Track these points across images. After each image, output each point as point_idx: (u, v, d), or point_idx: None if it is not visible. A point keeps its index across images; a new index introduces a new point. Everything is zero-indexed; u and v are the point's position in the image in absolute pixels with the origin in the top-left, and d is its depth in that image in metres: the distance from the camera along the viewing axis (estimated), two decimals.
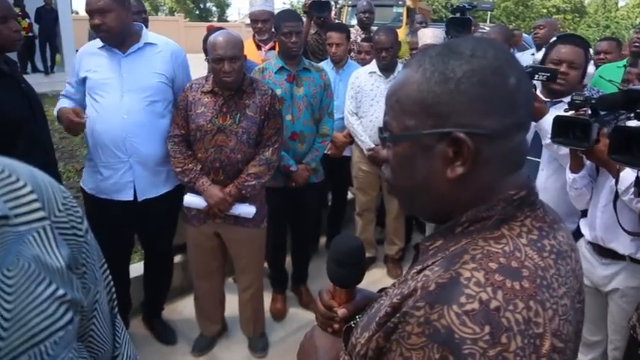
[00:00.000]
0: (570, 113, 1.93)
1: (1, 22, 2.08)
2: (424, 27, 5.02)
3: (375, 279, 3.60)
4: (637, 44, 3.63)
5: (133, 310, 2.89)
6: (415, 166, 0.72)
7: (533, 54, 4.98)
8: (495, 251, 0.65)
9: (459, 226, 0.71)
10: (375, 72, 3.44)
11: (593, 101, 1.88)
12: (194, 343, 2.82)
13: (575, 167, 2.03)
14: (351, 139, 3.62)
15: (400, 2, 12.59)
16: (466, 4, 3.32)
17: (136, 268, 2.95)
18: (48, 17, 11.54)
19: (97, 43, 2.41)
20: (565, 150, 2.03)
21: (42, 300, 0.66)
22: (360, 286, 0.98)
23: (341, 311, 0.93)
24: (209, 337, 2.84)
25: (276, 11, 3.47)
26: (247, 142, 2.42)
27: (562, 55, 2.25)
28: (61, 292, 0.68)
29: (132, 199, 2.45)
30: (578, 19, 32.32)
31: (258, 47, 3.64)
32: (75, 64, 2.47)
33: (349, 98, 3.50)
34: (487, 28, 7.84)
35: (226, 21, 38.45)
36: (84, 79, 2.40)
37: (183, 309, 3.14)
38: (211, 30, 2.79)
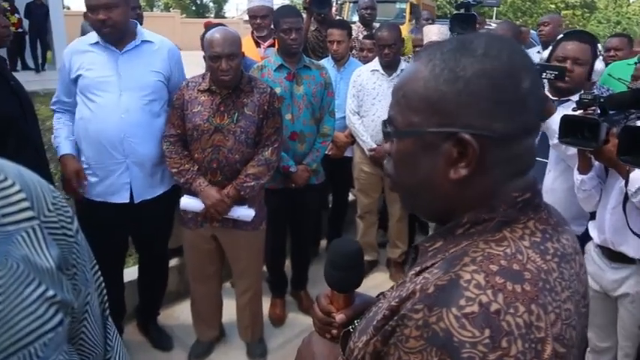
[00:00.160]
0: (578, 112, 1.93)
1: None
2: (430, 24, 5.03)
3: (377, 283, 3.60)
4: None
5: (127, 315, 2.89)
6: (418, 164, 0.72)
7: (539, 52, 4.98)
8: (496, 253, 0.65)
9: (459, 228, 0.71)
10: (377, 70, 3.45)
11: (602, 100, 1.88)
12: (191, 349, 2.82)
13: (584, 168, 2.03)
14: (352, 140, 3.63)
15: None
16: (471, 0, 3.32)
17: (130, 273, 2.95)
18: (38, 13, 11.50)
19: (88, 39, 2.40)
20: (573, 150, 2.04)
21: (31, 301, 0.66)
22: (362, 290, 0.98)
23: (339, 317, 0.93)
24: (206, 343, 2.84)
25: (275, 7, 3.48)
26: (246, 141, 2.43)
27: (567, 51, 2.25)
28: (50, 293, 0.68)
29: (128, 201, 2.45)
30: (588, 14, 32.36)
31: (257, 44, 3.65)
32: (63, 65, 2.43)
33: (351, 97, 3.51)
34: (493, 25, 7.86)
35: (224, 17, 38.41)
36: (76, 79, 2.38)
37: (179, 314, 3.14)
38: (209, 26, 2.80)
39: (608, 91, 2.88)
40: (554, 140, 2.06)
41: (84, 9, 2.37)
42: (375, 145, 3.44)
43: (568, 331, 0.64)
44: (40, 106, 2.57)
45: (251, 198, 2.50)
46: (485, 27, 5.79)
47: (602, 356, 2.23)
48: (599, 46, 4.42)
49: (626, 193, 1.86)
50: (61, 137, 2.46)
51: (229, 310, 2.89)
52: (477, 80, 0.67)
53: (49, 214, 0.72)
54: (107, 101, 2.35)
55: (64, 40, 11.31)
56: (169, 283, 3.00)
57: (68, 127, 2.48)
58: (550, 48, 2.58)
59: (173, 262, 3.17)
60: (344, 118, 3.57)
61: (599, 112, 1.90)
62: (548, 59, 2.39)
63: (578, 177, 2.07)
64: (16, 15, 10.82)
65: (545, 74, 2.15)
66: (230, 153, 2.41)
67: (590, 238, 2.13)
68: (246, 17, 3.98)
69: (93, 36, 2.40)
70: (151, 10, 35.33)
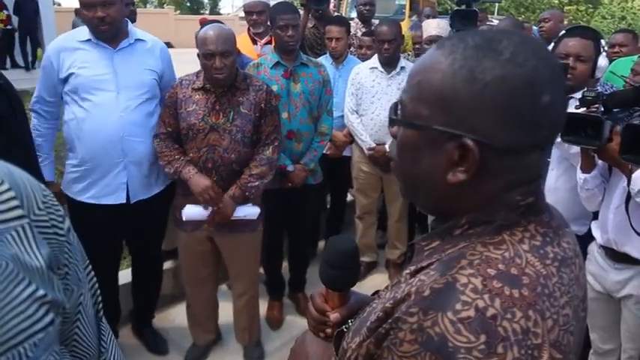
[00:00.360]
0: (581, 110, 1.93)
1: None
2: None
3: (377, 284, 3.60)
4: None
5: (121, 318, 2.89)
6: (419, 157, 0.72)
7: None
8: (494, 257, 0.65)
9: (458, 228, 0.71)
10: (376, 68, 3.46)
11: (605, 97, 1.89)
12: (186, 352, 2.83)
13: (587, 167, 2.04)
14: (351, 139, 3.64)
15: None
16: None
17: (124, 275, 2.95)
18: (28, 9, 11.46)
19: (76, 35, 2.39)
20: (576, 149, 2.05)
21: (21, 300, 0.66)
22: (361, 291, 0.99)
23: (333, 316, 0.93)
24: (202, 347, 2.85)
25: (272, 3, 3.49)
26: (242, 140, 2.44)
27: (569, 48, 2.26)
28: (41, 292, 0.69)
29: (124, 201, 2.46)
30: (592, 10, 32.39)
31: (254, 41, 3.65)
32: (50, 64, 2.38)
33: (349, 95, 3.52)
34: (495, 21, 7.87)
35: (219, 14, 38.40)
36: (66, 78, 2.36)
37: (175, 317, 3.15)
38: (204, 23, 2.81)
39: (611, 88, 2.89)
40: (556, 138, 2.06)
41: (75, 5, 2.38)
42: (374, 145, 3.45)
43: (565, 337, 0.64)
44: (30, 105, 2.56)
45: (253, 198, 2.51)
46: (487, 23, 5.79)
47: (605, 358, 2.24)
48: (603, 42, 4.44)
49: (629, 193, 1.87)
50: (43, 155, 2.47)
51: (226, 313, 2.89)
52: (494, 87, 0.65)
53: (40, 213, 0.73)
54: (104, 100, 2.35)
55: (54, 37, 11.19)
56: (164, 285, 3.01)
57: (51, 137, 2.51)
58: (552, 45, 2.59)
59: (168, 265, 3.18)
60: (342, 116, 3.58)
61: (602, 109, 1.89)
62: None
63: (581, 176, 2.07)
64: (5, 12, 10.81)
65: None
66: (226, 152, 2.42)
67: (592, 239, 2.14)
68: (242, 14, 3.99)
69: (82, 32, 2.39)
70: (145, 7, 35.31)
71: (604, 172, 2.09)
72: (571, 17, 28.90)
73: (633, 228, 1.88)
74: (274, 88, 2.75)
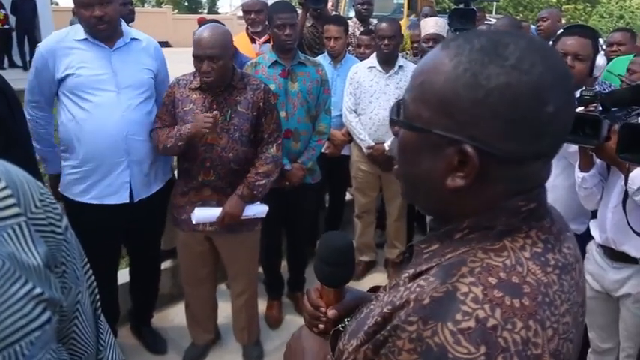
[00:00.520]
0: (579, 109, 1.93)
1: None
2: None
3: (375, 283, 3.60)
4: None
5: (120, 318, 2.89)
6: (419, 159, 0.71)
7: None
8: (495, 265, 0.64)
9: (458, 232, 0.70)
10: (374, 67, 3.46)
11: (602, 96, 1.89)
12: (185, 352, 2.83)
13: (585, 166, 2.05)
14: (349, 138, 3.64)
15: None
16: None
17: (123, 275, 2.95)
18: (25, 8, 11.44)
19: (71, 34, 2.37)
20: (574, 148, 2.04)
21: (17, 299, 0.66)
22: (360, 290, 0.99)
23: (331, 312, 0.93)
24: (201, 346, 2.85)
25: (270, 2, 3.49)
26: (240, 139, 2.44)
27: (567, 47, 2.27)
28: (37, 290, 0.69)
29: (128, 200, 2.46)
30: (589, 8, 32.43)
31: (252, 40, 3.66)
32: (45, 64, 2.33)
33: (348, 94, 3.52)
34: (493, 20, 7.88)
35: (217, 13, 38.40)
36: (63, 78, 2.33)
37: (173, 316, 3.15)
38: (202, 22, 2.81)
39: (610, 87, 2.89)
40: None
41: (73, 4, 2.36)
42: (373, 143, 3.45)
43: (565, 345, 0.64)
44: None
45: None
46: (485, 22, 5.80)
47: (604, 357, 2.25)
48: (601, 40, 4.44)
49: (626, 192, 1.88)
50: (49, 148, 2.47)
51: (224, 312, 2.90)
52: (498, 94, 0.63)
53: (37, 211, 0.73)
54: (105, 100, 2.34)
55: None
56: (163, 285, 3.01)
57: (50, 128, 2.50)
58: (550, 43, 2.60)
59: (167, 264, 3.18)
60: (340, 115, 3.58)
61: (600, 108, 1.89)
62: None
63: (579, 175, 2.07)
64: (2, 11, 10.79)
65: None
66: (224, 152, 2.42)
67: (591, 238, 2.14)
68: (240, 13, 3.99)
69: (77, 31, 2.37)
70: (143, 6, 35.25)
71: (602, 171, 2.09)
72: (569, 16, 28.96)
73: (630, 227, 1.88)
74: (272, 86, 2.75)
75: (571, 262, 0.71)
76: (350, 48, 4.20)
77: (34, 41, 12.02)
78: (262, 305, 3.11)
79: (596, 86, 2.86)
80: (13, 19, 11.33)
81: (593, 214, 2.17)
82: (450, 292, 0.62)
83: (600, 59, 3.68)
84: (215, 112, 2.32)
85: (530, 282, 0.63)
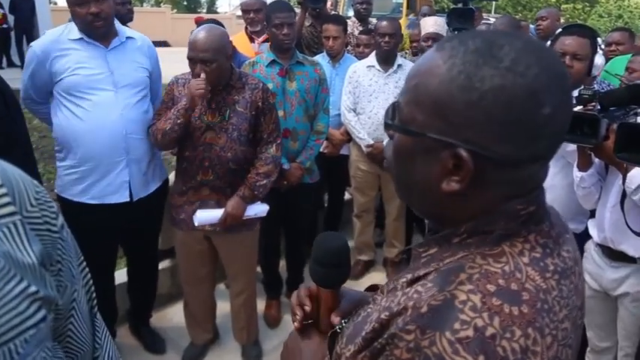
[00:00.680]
0: (578, 108, 1.93)
1: None
2: None
3: (374, 282, 3.62)
4: None
5: (119, 318, 2.89)
6: (414, 163, 0.70)
7: None
8: (494, 271, 0.64)
9: (456, 237, 0.69)
10: (373, 66, 3.46)
11: (601, 96, 1.89)
12: (184, 352, 2.83)
13: (583, 165, 2.05)
14: (348, 137, 3.64)
15: None
16: None
17: (120, 274, 2.93)
18: (24, 8, 11.42)
19: (66, 34, 2.35)
20: (572, 147, 2.05)
21: (12, 297, 0.66)
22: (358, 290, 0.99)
23: (335, 319, 0.91)
24: (200, 346, 2.85)
25: (268, 1, 3.49)
26: (238, 139, 2.43)
27: (565, 46, 2.27)
28: (32, 289, 0.69)
29: (128, 200, 2.46)
30: (588, 8, 32.44)
31: (251, 40, 3.66)
32: (41, 65, 2.30)
33: (346, 93, 3.52)
34: (492, 19, 7.88)
35: (216, 13, 38.35)
36: (60, 78, 2.30)
37: (172, 316, 3.15)
38: (199, 22, 2.81)
39: (608, 87, 2.90)
40: None
41: (67, 4, 2.32)
42: (372, 142, 3.46)
43: (564, 351, 0.64)
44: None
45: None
46: (484, 22, 5.80)
47: (602, 356, 2.25)
48: (600, 40, 4.44)
49: (624, 191, 1.88)
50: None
51: (223, 312, 2.90)
52: (492, 97, 0.62)
53: (32, 210, 0.72)
54: (104, 99, 2.34)
55: None
56: (162, 285, 3.01)
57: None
58: (549, 43, 2.60)
59: (165, 264, 3.18)
60: (339, 115, 3.58)
61: (599, 107, 1.90)
62: None
63: (577, 174, 2.08)
64: (1, 10, 10.76)
65: None
66: (222, 151, 2.41)
67: (589, 237, 2.15)
68: (239, 12, 3.99)
69: (71, 30, 2.35)
70: (141, 6, 35.22)
71: (600, 170, 2.09)
72: (568, 15, 28.97)
73: (628, 226, 1.89)
74: (270, 86, 2.75)
75: (570, 265, 0.70)
76: (349, 47, 4.20)
77: (32, 41, 12.00)
78: (261, 305, 3.12)
79: (595, 86, 2.86)
80: (11, 19, 11.31)
81: (592, 213, 2.17)
82: (448, 301, 0.61)
83: (599, 59, 3.68)
84: (203, 76, 2.25)
85: (529, 289, 0.63)
